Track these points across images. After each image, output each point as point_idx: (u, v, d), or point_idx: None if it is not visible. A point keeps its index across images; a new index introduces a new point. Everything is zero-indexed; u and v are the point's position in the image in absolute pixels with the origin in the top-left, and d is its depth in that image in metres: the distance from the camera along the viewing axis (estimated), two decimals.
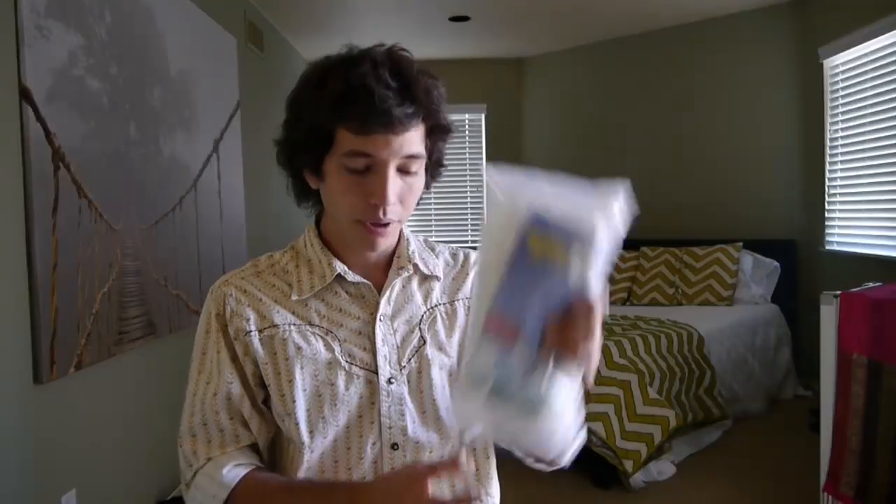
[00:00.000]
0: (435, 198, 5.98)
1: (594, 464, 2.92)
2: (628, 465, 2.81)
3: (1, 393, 1.81)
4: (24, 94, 1.85)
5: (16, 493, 1.86)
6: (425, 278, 1.03)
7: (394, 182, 0.88)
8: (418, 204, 1.03)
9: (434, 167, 0.98)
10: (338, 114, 0.86)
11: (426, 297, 1.02)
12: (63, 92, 2.02)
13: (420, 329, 0.99)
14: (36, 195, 1.89)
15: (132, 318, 2.42)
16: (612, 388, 2.93)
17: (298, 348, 0.93)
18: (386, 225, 0.91)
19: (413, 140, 0.88)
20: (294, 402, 0.92)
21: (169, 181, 2.74)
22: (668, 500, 2.81)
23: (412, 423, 0.95)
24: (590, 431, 2.86)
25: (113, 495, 2.33)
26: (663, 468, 3.00)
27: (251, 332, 0.94)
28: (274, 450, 1.00)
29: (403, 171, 0.89)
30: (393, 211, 0.89)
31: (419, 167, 0.91)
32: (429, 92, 0.89)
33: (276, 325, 0.94)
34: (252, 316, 0.95)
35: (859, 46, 3.68)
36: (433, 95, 0.90)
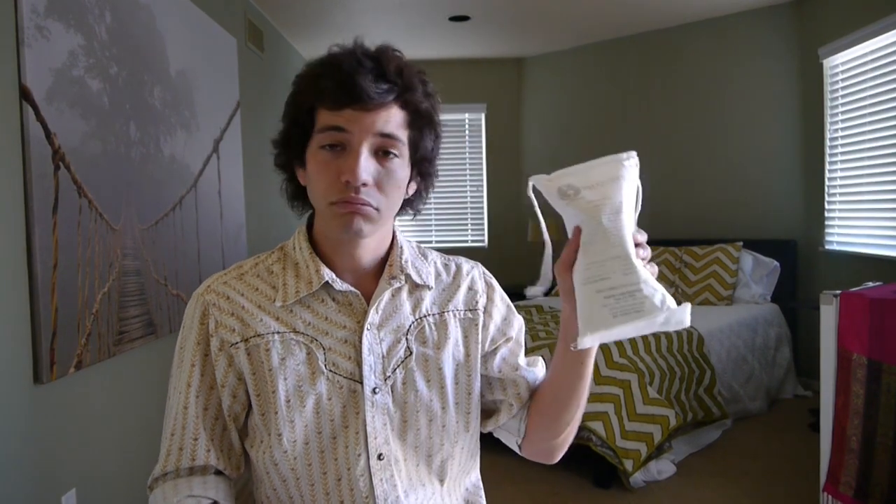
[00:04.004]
0: (435, 198, 5.94)
1: (594, 463, 2.92)
2: (628, 464, 2.81)
3: (1, 393, 1.81)
4: (24, 94, 1.85)
5: (16, 492, 1.86)
6: (416, 287, 1.00)
7: (367, 161, 0.87)
8: (417, 213, 1.02)
9: (421, 163, 0.96)
10: (314, 92, 0.88)
11: (415, 306, 0.99)
12: (63, 92, 2.02)
13: (407, 339, 0.96)
14: (36, 195, 1.89)
15: (132, 318, 2.42)
16: (612, 387, 2.93)
17: (282, 359, 0.92)
18: (362, 204, 0.88)
19: (388, 121, 0.88)
20: (276, 413, 0.91)
21: (169, 181, 2.74)
22: (668, 499, 2.81)
23: (395, 434, 0.94)
24: (590, 431, 2.86)
25: (113, 495, 2.33)
26: (663, 468, 3.00)
27: (236, 343, 0.93)
28: (253, 464, 0.99)
29: (380, 153, 0.89)
30: (369, 193, 0.87)
31: (399, 153, 0.90)
32: (402, 72, 0.89)
33: (259, 335, 0.93)
34: (236, 326, 0.93)
35: (859, 46, 3.68)
36: (409, 77, 0.90)
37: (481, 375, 1.03)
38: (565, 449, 1.05)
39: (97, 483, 2.23)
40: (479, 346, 1.02)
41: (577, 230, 0.82)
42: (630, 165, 0.81)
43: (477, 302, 1.03)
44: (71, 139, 2.05)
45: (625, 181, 0.81)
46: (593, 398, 2.90)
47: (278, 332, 0.93)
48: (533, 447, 1.04)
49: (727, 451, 3.32)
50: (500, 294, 1.07)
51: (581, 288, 0.80)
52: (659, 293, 0.78)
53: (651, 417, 2.93)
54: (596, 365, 3.00)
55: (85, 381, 2.15)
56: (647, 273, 0.79)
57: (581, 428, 2.96)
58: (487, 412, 1.06)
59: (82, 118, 2.12)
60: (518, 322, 1.07)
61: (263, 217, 4.15)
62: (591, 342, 0.79)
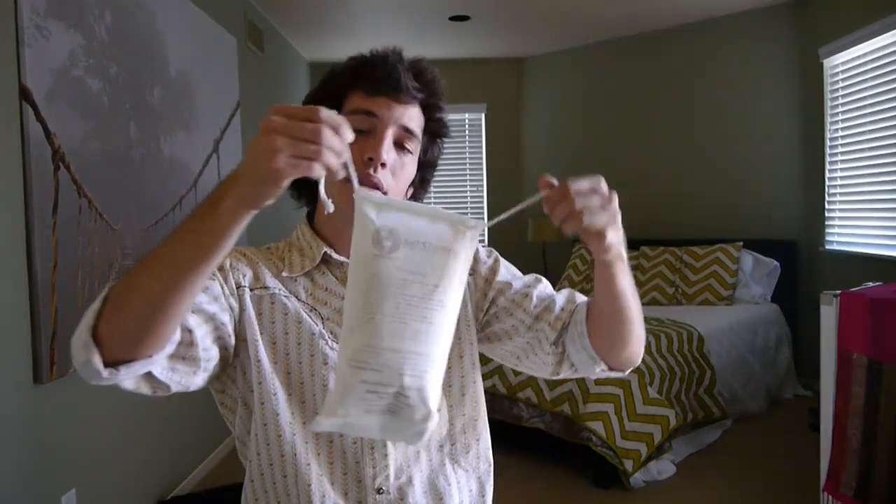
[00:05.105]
0: (435, 198, 5.97)
1: (594, 464, 2.92)
2: (628, 464, 2.81)
3: (1, 393, 1.81)
4: (24, 94, 1.85)
5: (16, 492, 1.86)
6: None
7: (389, 145, 0.93)
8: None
9: (425, 168, 1.02)
10: (353, 78, 0.96)
11: None
12: (63, 92, 2.02)
13: None
14: (36, 195, 1.89)
15: None
16: (612, 387, 2.93)
17: (285, 313, 0.95)
18: (376, 188, 0.92)
19: (412, 117, 0.96)
20: (276, 363, 0.94)
21: (169, 181, 2.74)
22: (668, 499, 2.81)
23: None
24: (590, 431, 2.86)
25: (113, 495, 2.33)
26: (663, 468, 3.00)
27: (245, 286, 0.96)
28: (247, 435, 0.98)
29: (399, 144, 0.95)
30: (384, 175, 0.93)
31: (414, 148, 0.97)
32: (434, 81, 0.98)
33: (267, 287, 0.96)
34: (248, 273, 0.97)
35: (859, 46, 3.68)
36: (437, 86, 0.98)
37: (502, 328, 1.03)
38: (641, 349, 1.00)
39: (97, 483, 2.23)
40: (473, 310, 1.04)
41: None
42: (472, 237, 0.67)
43: (472, 269, 1.05)
44: (71, 139, 2.05)
45: (458, 259, 0.67)
46: (593, 398, 2.90)
47: (285, 295, 0.97)
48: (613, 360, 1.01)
49: (727, 451, 3.32)
50: (483, 252, 1.09)
51: (343, 364, 0.68)
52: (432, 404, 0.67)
53: (651, 417, 2.93)
54: None
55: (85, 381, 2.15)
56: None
57: (581, 428, 2.98)
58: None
59: (82, 118, 2.12)
60: (502, 267, 1.07)
61: (263, 217, 4.14)
62: (322, 427, 0.70)
